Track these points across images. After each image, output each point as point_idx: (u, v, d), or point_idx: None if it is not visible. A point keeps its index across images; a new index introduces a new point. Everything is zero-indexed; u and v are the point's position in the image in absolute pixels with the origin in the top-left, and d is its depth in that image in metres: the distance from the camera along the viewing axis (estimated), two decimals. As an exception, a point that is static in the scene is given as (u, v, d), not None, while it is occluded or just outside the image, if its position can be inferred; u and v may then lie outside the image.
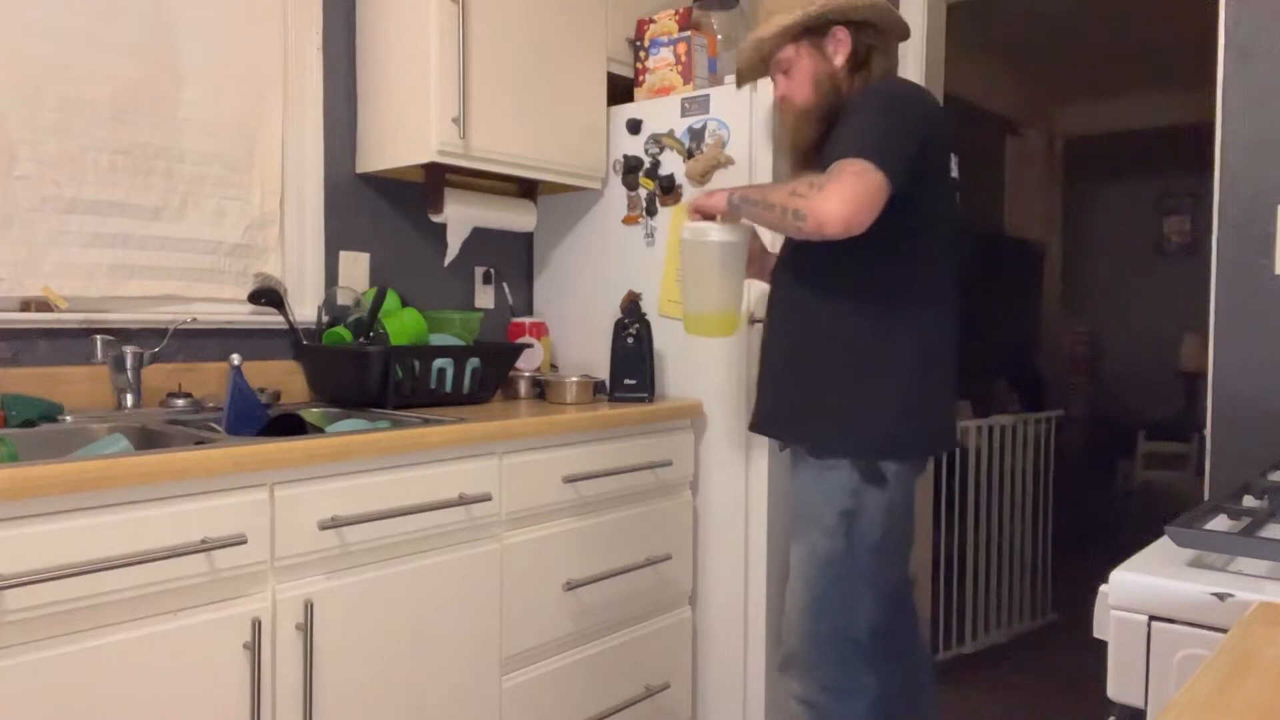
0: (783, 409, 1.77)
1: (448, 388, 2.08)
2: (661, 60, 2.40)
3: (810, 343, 1.71)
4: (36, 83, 1.79)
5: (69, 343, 1.83)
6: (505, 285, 2.62)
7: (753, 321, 2.21)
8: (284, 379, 2.13)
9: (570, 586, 1.97)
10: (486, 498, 1.78)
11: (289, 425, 1.74)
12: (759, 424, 1.84)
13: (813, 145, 1.71)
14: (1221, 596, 0.89)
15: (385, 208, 2.34)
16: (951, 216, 1.71)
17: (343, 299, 2.22)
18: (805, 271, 1.72)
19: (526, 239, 2.68)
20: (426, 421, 1.79)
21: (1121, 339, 6.03)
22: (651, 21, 2.44)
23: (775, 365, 1.79)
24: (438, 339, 2.18)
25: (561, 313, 2.59)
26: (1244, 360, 1.85)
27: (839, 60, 1.71)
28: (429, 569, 1.70)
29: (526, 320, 2.50)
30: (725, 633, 2.28)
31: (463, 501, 1.74)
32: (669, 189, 2.34)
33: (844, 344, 1.67)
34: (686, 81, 2.36)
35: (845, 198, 1.46)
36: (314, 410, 1.98)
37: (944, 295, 1.70)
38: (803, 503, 1.74)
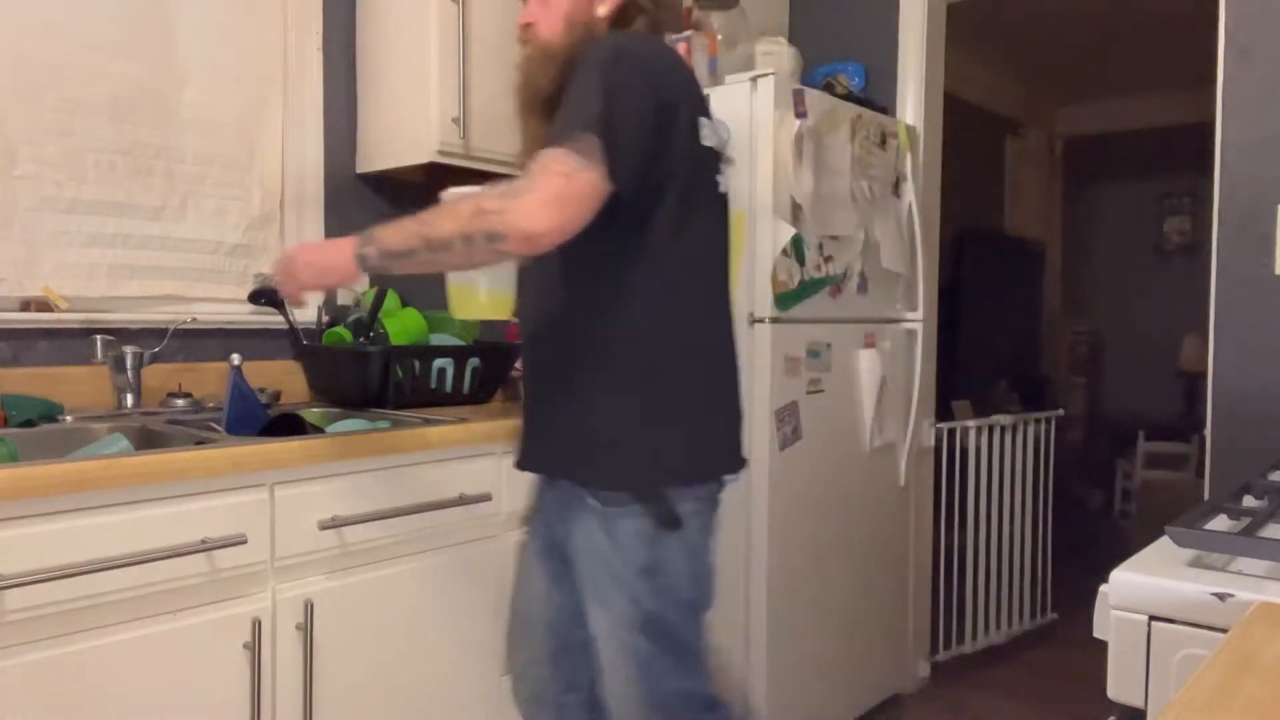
0: (550, 442, 1.42)
1: (448, 388, 2.08)
2: (661, 60, 2.39)
3: (569, 361, 1.39)
4: (37, 83, 1.79)
5: (69, 343, 1.83)
6: (505, 285, 2.61)
7: (753, 322, 2.21)
8: (284, 379, 2.13)
9: (570, 586, 1.97)
10: (487, 498, 1.78)
11: (289, 425, 1.74)
12: (522, 461, 1.48)
13: (543, 94, 1.41)
14: (1221, 596, 0.89)
15: (385, 208, 2.34)
16: (711, 192, 1.41)
17: (343, 299, 2.22)
18: (548, 279, 1.42)
19: (526, 239, 2.67)
20: (427, 421, 1.79)
21: (1121, 339, 6.03)
22: (651, 21, 2.44)
23: (533, 390, 1.46)
24: (438, 339, 2.18)
25: (561, 313, 2.59)
26: (1244, 360, 1.85)
27: (603, 10, 1.43)
28: (429, 569, 1.70)
29: (526, 320, 2.49)
30: (725, 632, 2.28)
31: (463, 501, 1.74)
32: (669, 189, 2.33)
33: (606, 358, 1.36)
34: (686, 81, 2.35)
35: (550, 205, 1.19)
36: (314, 410, 1.98)
37: (713, 288, 1.43)
38: (594, 559, 1.38)
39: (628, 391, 1.34)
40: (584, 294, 1.37)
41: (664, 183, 1.33)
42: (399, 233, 1.30)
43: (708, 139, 1.39)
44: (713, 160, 1.41)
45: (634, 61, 1.30)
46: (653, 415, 1.34)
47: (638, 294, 1.35)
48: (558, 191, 1.20)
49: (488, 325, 2.54)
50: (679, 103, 1.34)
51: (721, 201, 1.45)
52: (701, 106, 1.40)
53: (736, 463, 1.44)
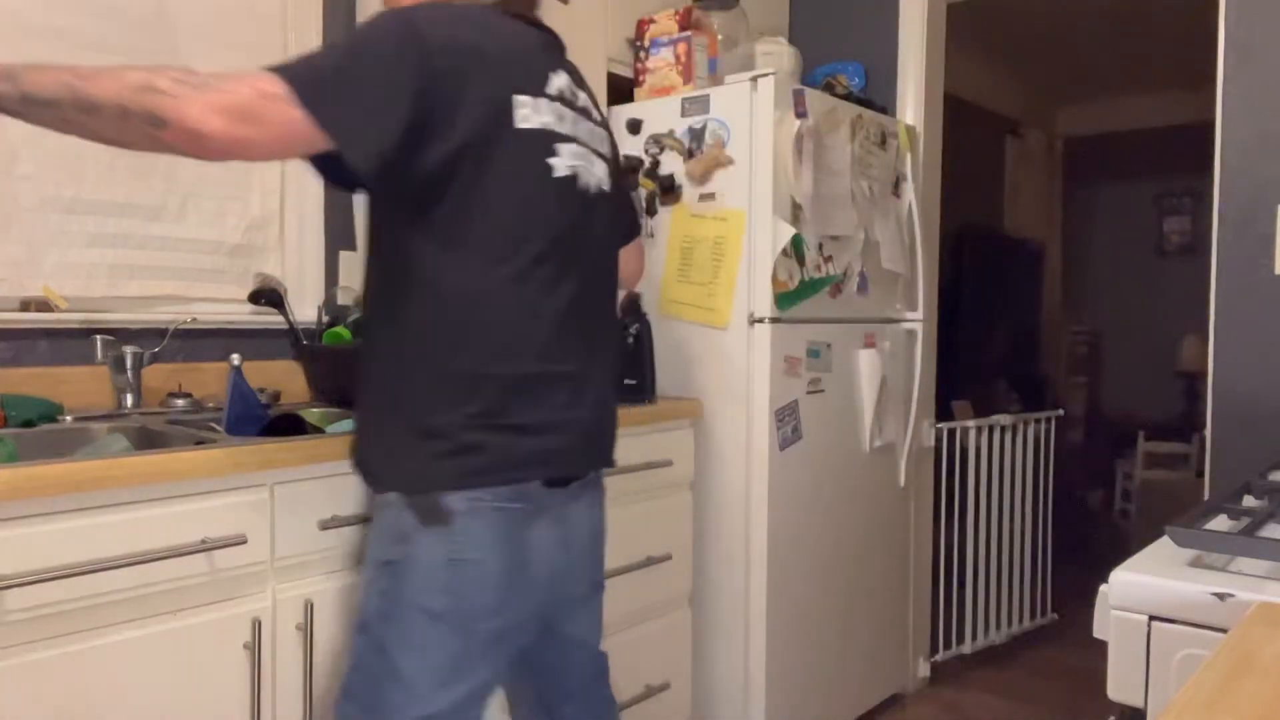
0: (356, 435, 1.40)
1: (448, 388, 2.07)
2: (661, 60, 2.40)
3: (368, 347, 1.36)
4: (36, 83, 1.79)
5: (69, 343, 1.83)
6: (505, 285, 2.61)
7: (753, 322, 2.21)
8: (284, 379, 2.13)
9: (570, 586, 1.97)
10: (486, 498, 1.78)
11: (289, 425, 1.74)
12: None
13: None
14: (1221, 596, 0.89)
15: (385, 208, 2.34)
16: (538, 179, 1.27)
17: (343, 299, 2.22)
18: (370, 267, 1.34)
19: (526, 239, 2.67)
20: (426, 421, 1.78)
21: (1121, 339, 6.03)
22: (651, 21, 2.44)
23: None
24: (438, 339, 2.18)
25: (561, 313, 2.59)
26: (1244, 360, 1.85)
27: None
28: (429, 569, 1.70)
29: (526, 320, 2.49)
30: (725, 633, 2.28)
31: (463, 501, 1.74)
32: (669, 189, 2.34)
33: (393, 348, 1.30)
34: (686, 81, 2.36)
35: (231, 112, 1.04)
36: (314, 410, 1.98)
37: (528, 280, 1.26)
38: (367, 546, 1.35)
39: (408, 384, 1.26)
40: (378, 281, 1.31)
41: (445, 170, 1.19)
42: (49, 76, 1.09)
43: (527, 120, 1.25)
44: (541, 143, 1.27)
45: (401, 31, 1.17)
46: (427, 410, 1.23)
47: (427, 286, 1.24)
48: (245, 104, 1.05)
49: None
50: (464, 81, 1.18)
51: (560, 186, 1.28)
52: (519, 84, 1.25)
53: (539, 472, 1.27)
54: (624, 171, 1.59)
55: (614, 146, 1.53)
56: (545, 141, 1.28)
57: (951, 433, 3.04)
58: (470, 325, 1.24)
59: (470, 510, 1.23)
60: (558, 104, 1.32)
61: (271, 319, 2.09)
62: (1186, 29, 4.40)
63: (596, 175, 1.38)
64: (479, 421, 1.23)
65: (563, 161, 1.30)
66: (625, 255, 1.63)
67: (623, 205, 1.62)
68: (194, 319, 1.98)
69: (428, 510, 1.23)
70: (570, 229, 1.31)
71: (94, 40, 1.86)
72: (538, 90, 1.29)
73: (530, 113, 1.26)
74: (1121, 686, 0.95)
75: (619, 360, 1.51)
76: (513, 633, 1.31)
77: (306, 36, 2.19)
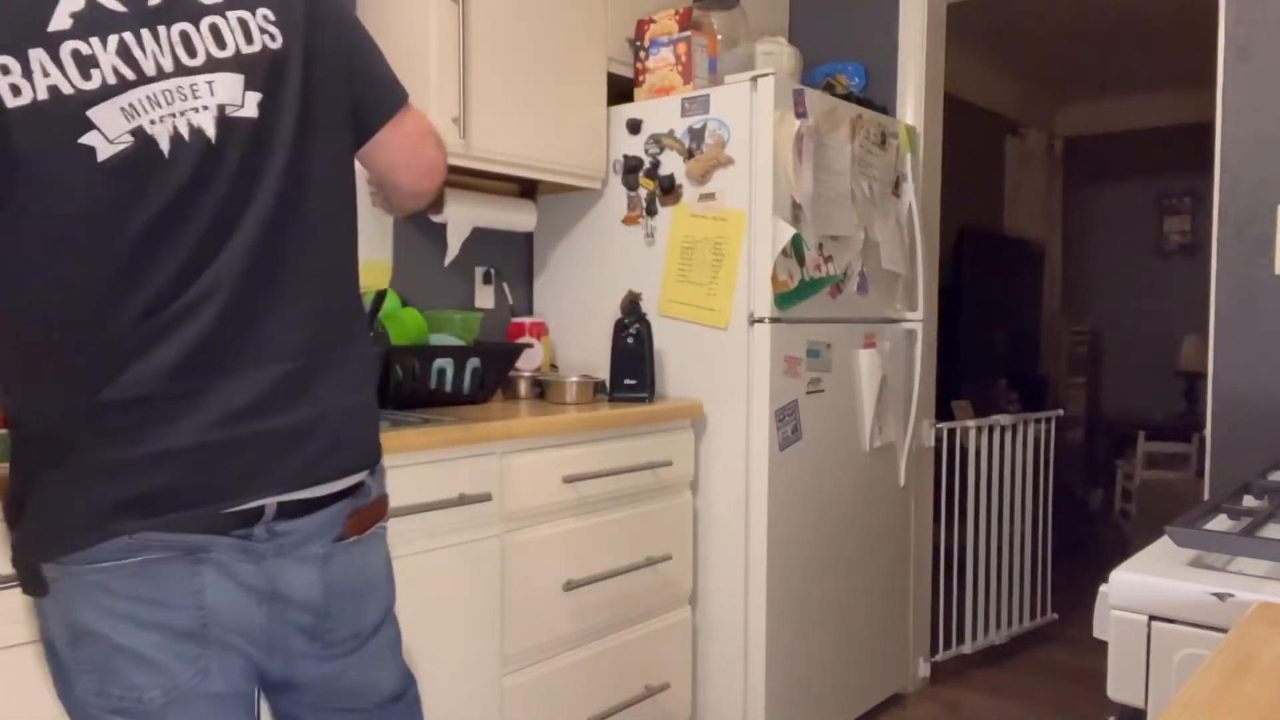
0: None
1: (448, 388, 2.08)
2: (661, 60, 2.40)
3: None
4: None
5: (69, 343, 1.82)
6: (505, 285, 2.62)
7: (753, 322, 2.21)
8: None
9: (570, 586, 1.97)
10: (486, 498, 1.78)
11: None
12: None
13: None
14: (1221, 596, 0.89)
15: (385, 208, 2.33)
16: (64, 168, 0.90)
17: (343, 299, 2.21)
18: None
19: (526, 239, 2.68)
20: (426, 421, 1.79)
21: (1121, 339, 6.03)
22: (651, 21, 2.44)
23: None
24: (438, 339, 2.18)
25: (561, 313, 2.59)
26: (1244, 360, 1.85)
27: None
28: (429, 569, 1.70)
29: (526, 320, 2.50)
30: (725, 633, 2.28)
31: (463, 501, 1.74)
32: (669, 189, 2.34)
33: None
34: (686, 81, 2.36)
35: None
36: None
37: (75, 304, 0.93)
38: None
39: (18, 446, 1.02)
40: None
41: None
42: None
43: (19, 96, 0.87)
44: (57, 121, 0.88)
45: None
46: (24, 470, 1.01)
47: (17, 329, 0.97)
48: None
49: (487, 326, 2.55)
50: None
51: (123, 171, 0.91)
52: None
53: (106, 532, 0.95)
54: (336, 29, 1.10)
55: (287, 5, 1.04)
56: (64, 115, 0.89)
57: (951, 433, 3.04)
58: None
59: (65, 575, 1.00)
60: (82, 36, 0.89)
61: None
62: (1186, 29, 4.40)
63: (218, 106, 0.96)
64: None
65: (112, 129, 0.91)
66: (385, 148, 1.19)
67: (326, 100, 1.08)
68: (194, 319, 1.97)
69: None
70: (176, 220, 0.95)
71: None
72: (34, 36, 0.88)
73: (21, 80, 0.87)
74: (1121, 686, 0.95)
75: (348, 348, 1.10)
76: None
77: (306, 36, 2.19)
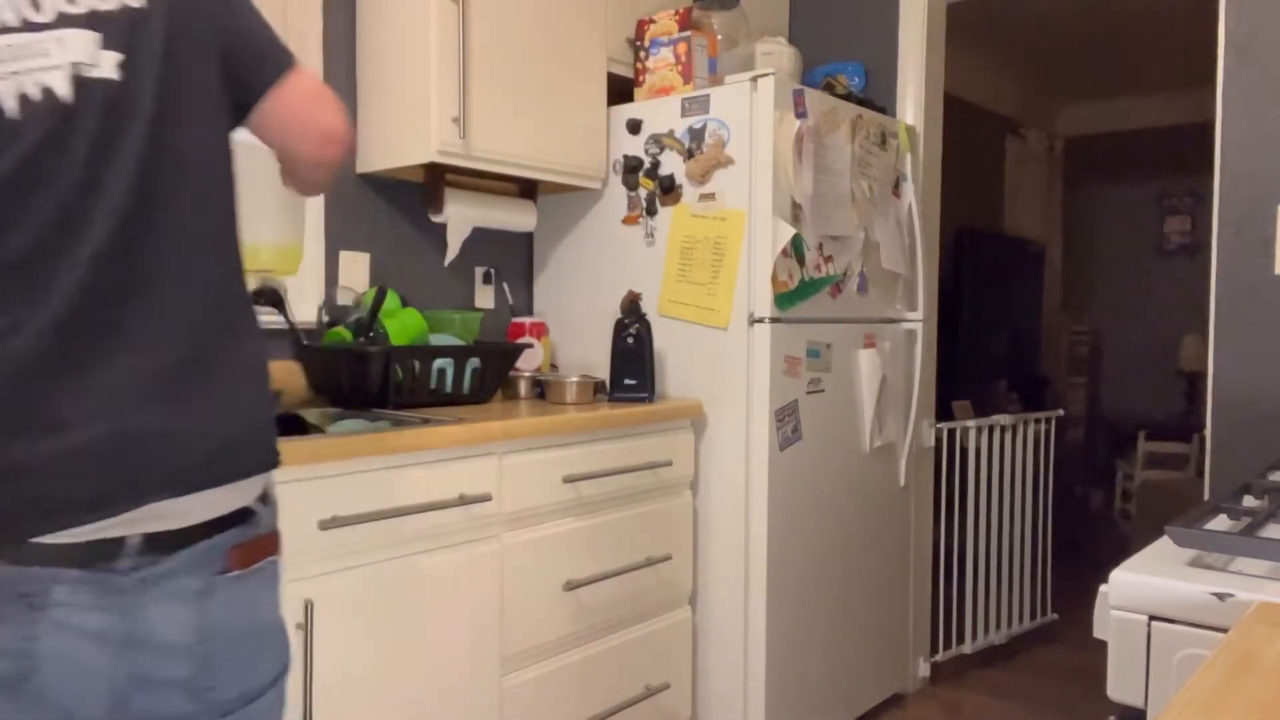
0: None
1: (448, 388, 2.08)
2: (661, 60, 2.40)
3: None
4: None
5: (69, 343, 1.82)
6: (505, 285, 2.62)
7: (753, 322, 2.21)
8: (284, 379, 2.13)
9: (570, 586, 1.97)
10: (486, 498, 1.78)
11: (289, 425, 1.74)
12: None
13: None
14: (1221, 596, 0.89)
15: (385, 208, 2.34)
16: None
17: (343, 299, 2.22)
18: None
19: (526, 239, 2.68)
20: (426, 421, 1.79)
21: (1121, 339, 6.03)
22: (651, 21, 2.44)
23: None
24: (438, 339, 2.18)
25: (561, 313, 2.59)
26: (1244, 360, 1.85)
27: None
28: (429, 569, 1.70)
29: (526, 320, 2.50)
30: (725, 633, 2.28)
31: (463, 501, 1.74)
32: (669, 189, 2.34)
33: None
34: (686, 81, 2.36)
35: None
36: (314, 410, 1.98)
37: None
38: None
39: None
40: None
41: None
42: None
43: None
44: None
45: None
46: None
47: None
48: None
49: (487, 326, 2.55)
50: None
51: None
52: None
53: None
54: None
55: None
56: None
57: (951, 433, 3.04)
58: None
59: None
60: None
61: (271, 319, 2.09)
62: (1186, 29, 4.40)
63: (71, 64, 0.88)
64: None
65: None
66: (274, 114, 1.06)
67: (196, 64, 0.97)
68: (194, 319, 1.97)
69: None
70: (24, 189, 0.86)
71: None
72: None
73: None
74: (1121, 686, 0.95)
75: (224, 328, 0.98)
76: None
77: (306, 36, 2.19)
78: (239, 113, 1.03)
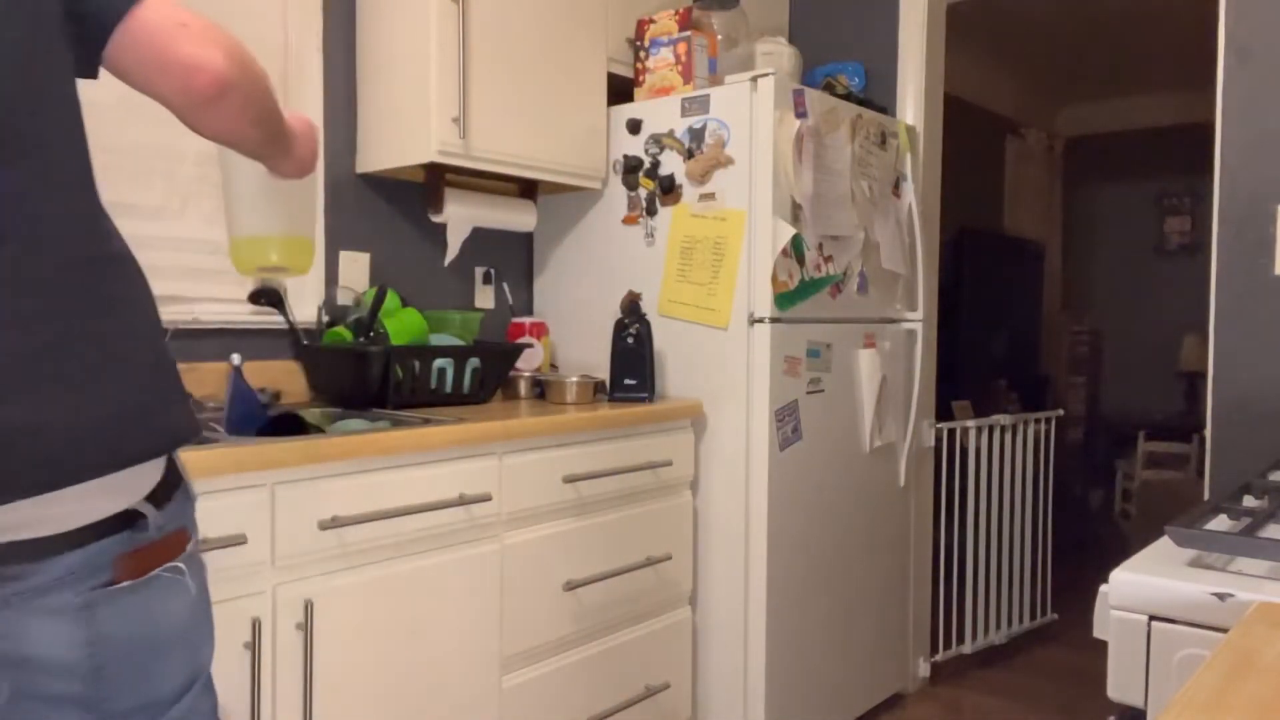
0: None
1: (448, 388, 2.08)
2: (661, 60, 2.40)
3: None
4: (36, 83, 1.78)
5: (69, 343, 1.82)
6: (505, 285, 2.62)
7: (753, 322, 2.21)
8: (284, 379, 2.13)
9: (570, 586, 1.97)
10: (486, 498, 1.78)
11: (289, 425, 1.74)
12: None
13: None
14: (1221, 596, 0.89)
15: (385, 208, 2.34)
16: None
17: (343, 299, 2.22)
18: None
19: (526, 239, 2.68)
20: (427, 421, 1.79)
21: (1121, 339, 6.03)
22: (651, 21, 2.44)
23: None
24: (438, 339, 2.18)
25: (561, 313, 2.59)
26: (1244, 360, 1.85)
27: None
28: (429, 569, 1.70)
29: (526, 320, 2.50)
30: (725, 633, 2.28)
31: (463, 501, 1.74)
32: (669, 189, 2.34)
33: None
34: (686, 81, 2.36)
35: None
36: (314, 410, 1.98)
37: None
38: None
39: None
40: None
41: None
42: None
43: None
44: None
45: None
46: None
47: None
48: None
49: (487, 326, 2.54)
50: None
51: None
52: None
53: None
54: None
55: None
56: None
57: (951, 433, 3.04)
58: None
59: None
60: None
61: (271, 319, 2.09)
62: (1186, 29, 4.40)
63: None
64: None
65: None
66: (126, 51, 0.92)
67: (30, 5, 0.84)
68: (194, 318, 1.98)
69: None
70: None
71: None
72: None
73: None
74: (1121, 686, 0.95)
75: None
76: None
77: (306, 36, 2.19)
78: (90, 54, 0.91)
